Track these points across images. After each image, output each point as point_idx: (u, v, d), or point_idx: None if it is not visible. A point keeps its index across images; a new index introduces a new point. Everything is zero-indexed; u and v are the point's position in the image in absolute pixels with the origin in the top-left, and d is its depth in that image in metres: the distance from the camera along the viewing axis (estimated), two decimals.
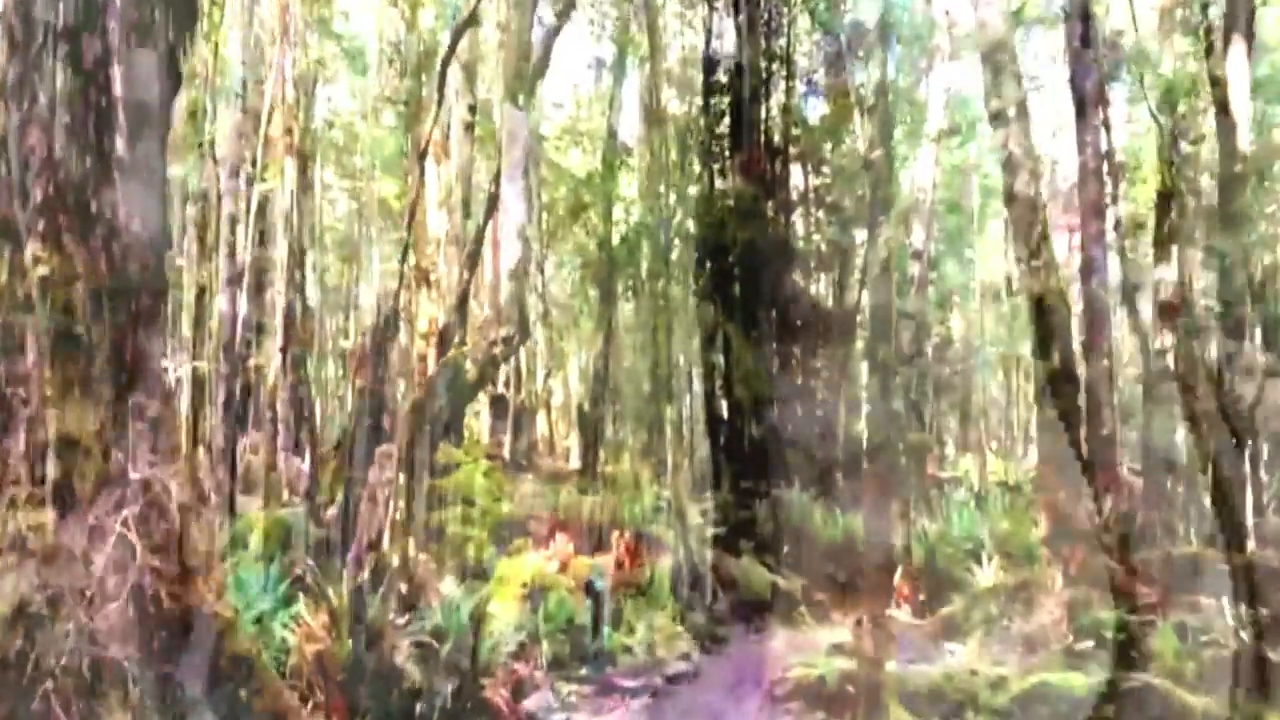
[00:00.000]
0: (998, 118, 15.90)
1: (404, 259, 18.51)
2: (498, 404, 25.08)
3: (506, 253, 13.53)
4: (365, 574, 12.23)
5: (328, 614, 11.87)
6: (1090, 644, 13.96)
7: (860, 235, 27.23)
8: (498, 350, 13.25)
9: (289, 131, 28.02)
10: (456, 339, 15.43)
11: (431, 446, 13.68)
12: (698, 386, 26.52)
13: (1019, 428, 37.22)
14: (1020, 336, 35.78)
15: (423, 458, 13.12)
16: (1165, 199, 25.38)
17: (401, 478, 12.42)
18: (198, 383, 24.63)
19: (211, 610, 7.63)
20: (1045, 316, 15.66)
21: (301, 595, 13.79)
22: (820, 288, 27.41)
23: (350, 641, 11.55)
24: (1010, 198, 15.91)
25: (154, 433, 7.36)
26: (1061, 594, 14.87)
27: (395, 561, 11.45)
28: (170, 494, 6.58)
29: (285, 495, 22.92)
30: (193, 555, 7.58)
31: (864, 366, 27.91)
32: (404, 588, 11.40)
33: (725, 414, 23.72)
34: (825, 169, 26.51)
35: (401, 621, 11.59)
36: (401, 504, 12.08)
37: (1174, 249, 25.38)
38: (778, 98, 26.41)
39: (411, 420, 12.53)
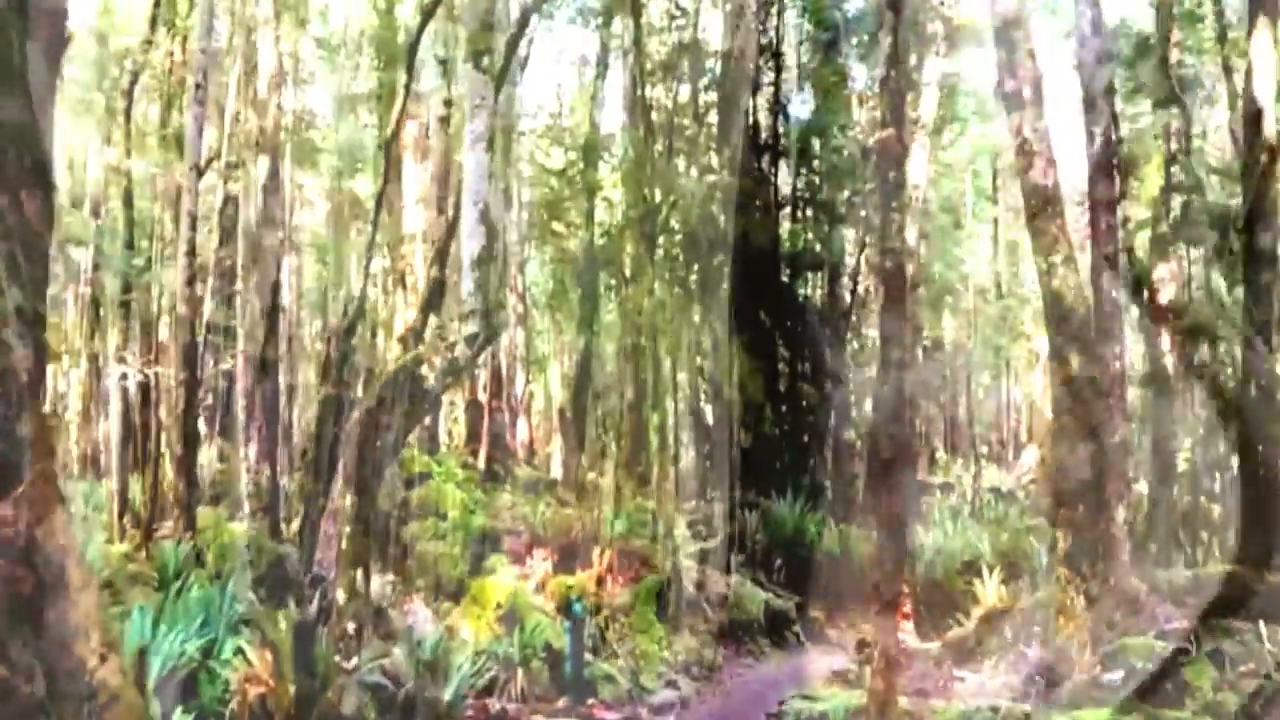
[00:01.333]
0: (1011, 99, 14.35)
1: (370, 257, 16.88)
2: (473, 409, 23.40)
3: (469, 238, 11.87)
4: (315, 604, 10.59)
5: (271, 652, 10.21)
6: (1120, 674, 12.41)
7: (852, 233, 25.79)
8: (459, 353, 11.52)
9: (260, 128, 26.33)
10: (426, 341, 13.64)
11: (387, 458, 11.96)
12: (685, 390, 24.95)
13: (1008, 432, 35.82)
14: (1013, 339, 34.51)
15: (375, 473, 11.45)
16: (1165, 196, 24.06)
17: (349, 498, 10.74)
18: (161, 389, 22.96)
19: (100, 682, 5.97)
20: (1064, 317, 14.12)
21: (245, 627, 12.18)
22: (809, 289, 25.86)
23: (294, 686, 9.91)
24: (1025, 187, 14.37)
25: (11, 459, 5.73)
26: (1084, 617, 13.30)
27: (342, 596, 9.79)
28: None
29: (248, 508, 21.20)
30: (72, 611, 5.93)
31: (849, 370, 26.51)
32: (352, 627, 9.74)
33: (712, 420, 22.16)
34: (816, 163, 24.93)
35: (350, 665, 9.90)
36: (347, 528, 10.35)
37: (1171, 248, 24.08)
38: (766, 91, 24.92)
39: (359, 434, 10.84)
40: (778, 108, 25.30)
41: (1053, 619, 13.85)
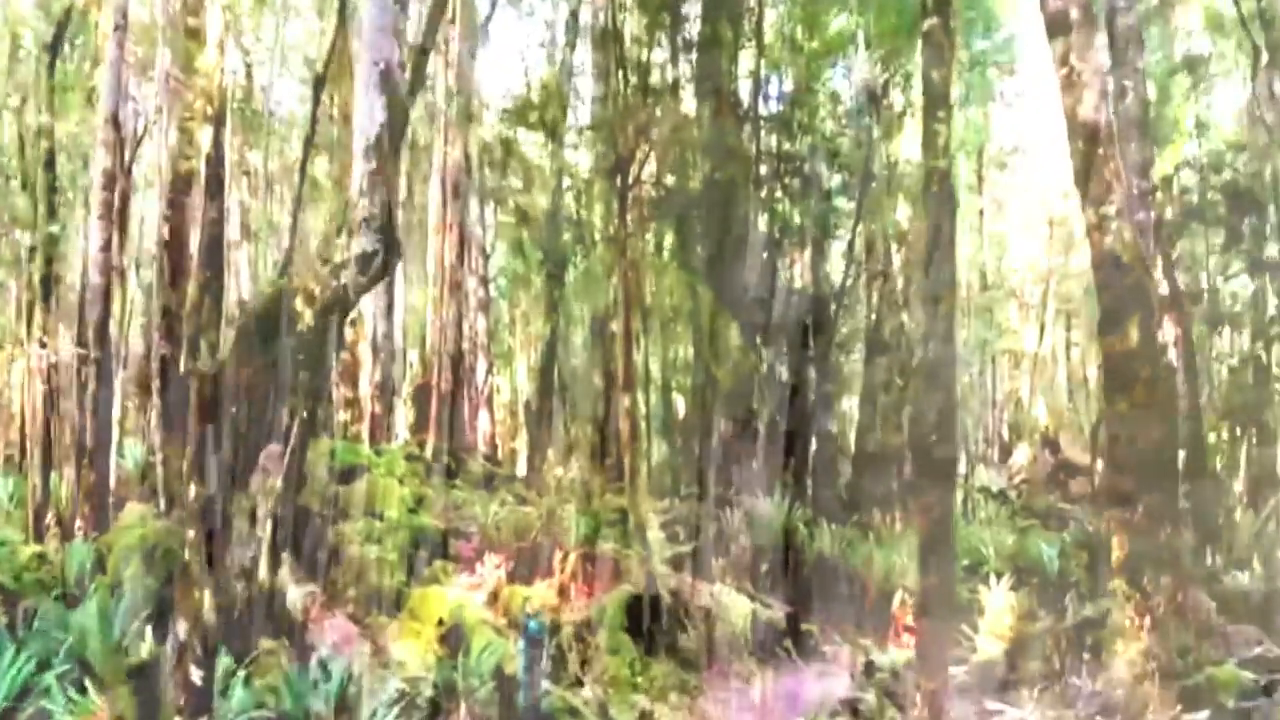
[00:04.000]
0: (1056, 22, 11.58)
1: (297, 208, 13.87)
2: (421, 395, 20.30)
3: (364, 115, 8.79)
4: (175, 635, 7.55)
5: (109, 700, 7.18)
6: (1205, 715, 9.63)
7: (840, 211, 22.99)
8: (349, 279, 8.37)
9: (203, 92, 23.17)
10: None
11: (253, 437, 8.86)
12: (656, 379, 22.00)
13: (993, 431, 33.16)
14: (1000, 334, 31.90)
15: (245, 456, 8.37)
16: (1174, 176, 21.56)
17: (194, 487, 7.64)
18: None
19: None
20: (1117, 279, 11.38)
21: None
22: (791, 269, 23.03)
23: None
24: (1072, 124, 11.58)
25: None
26: (1148, 641, 10.50)
27: (183, 630, 6.74)
28: None
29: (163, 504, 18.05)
30: None
31: (834, 357, 23.76)
32: (199, 675, 6.67)
33: (688, 408, 19.23)
34: (801, 136, 22.03)
35: None
36: (190, 532, 7.21)
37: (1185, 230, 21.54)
38: (748, 58, 22.06)
39: (203, 402, 7.70)
40: (760, 76, 22.45)
41: (1106, 642, 11.06)
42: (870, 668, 12.78)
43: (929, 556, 8.14)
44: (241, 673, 9.54)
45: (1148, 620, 10.57)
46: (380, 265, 8.62)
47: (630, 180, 14.42)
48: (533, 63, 28.70)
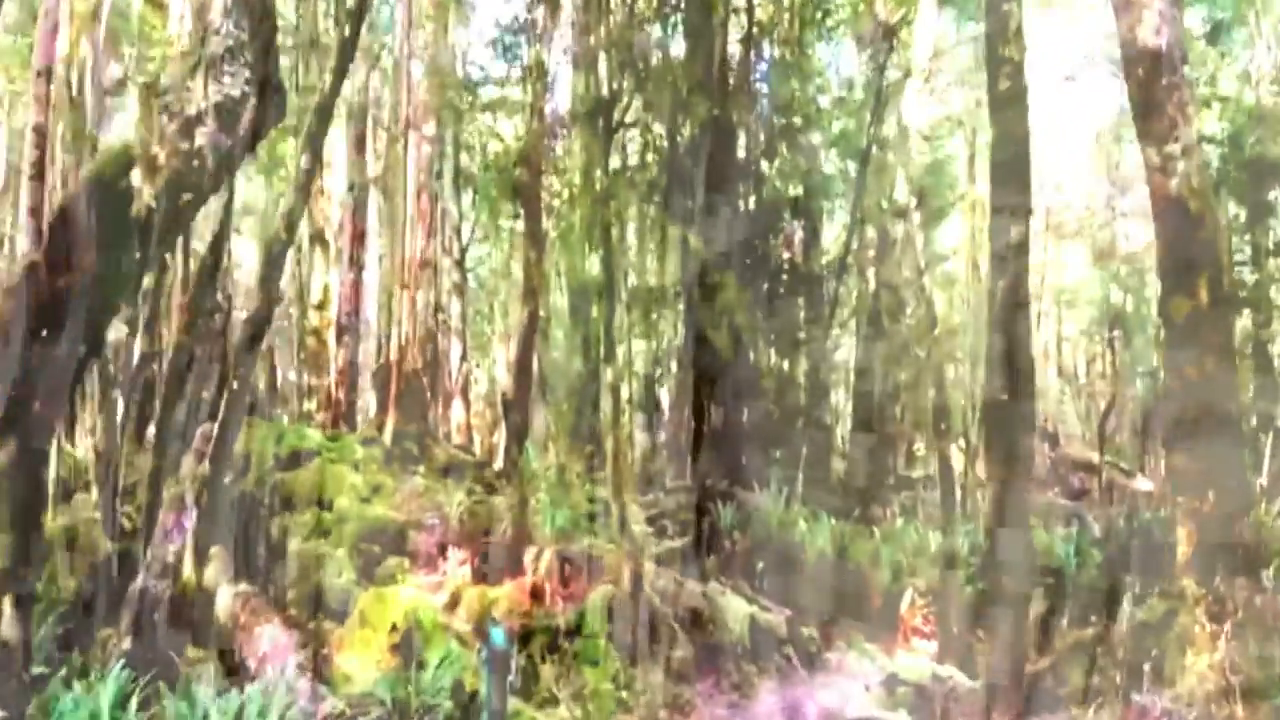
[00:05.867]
0: None
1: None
2: (383, 374, 18.27)
3: None
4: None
5: None
6: None
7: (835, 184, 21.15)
8: (206, 139, 6.08)
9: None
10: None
11: (58, 372, 6.73)
12: (639, 363, 20.01)
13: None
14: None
15: (52, 399, 6.30)
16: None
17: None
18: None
19: None
20: (1184, 231, 9.56)
21: None
22: (781, 247, 21.13)
23: None
24: (1129, 51, 9.76)
25: None
26: (1225, 651, 8.67)
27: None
28: None
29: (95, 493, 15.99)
30: None
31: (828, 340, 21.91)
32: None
33: (675, 390, 17.32)
34: (794, 107, 20.14)
35: None
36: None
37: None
38: (739, 25, 20.19)
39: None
40: (750, 45, 20.59)
41: (1172, 652, 9.22)
42: (893, 681, 10.86)
43: (1000, 547, 6.27)
44: (136, 696, 7.61)
45: (1226, 626, 8.74)
46: (252, 118, 6.39)
47: (614, 125, 12.51)
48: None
